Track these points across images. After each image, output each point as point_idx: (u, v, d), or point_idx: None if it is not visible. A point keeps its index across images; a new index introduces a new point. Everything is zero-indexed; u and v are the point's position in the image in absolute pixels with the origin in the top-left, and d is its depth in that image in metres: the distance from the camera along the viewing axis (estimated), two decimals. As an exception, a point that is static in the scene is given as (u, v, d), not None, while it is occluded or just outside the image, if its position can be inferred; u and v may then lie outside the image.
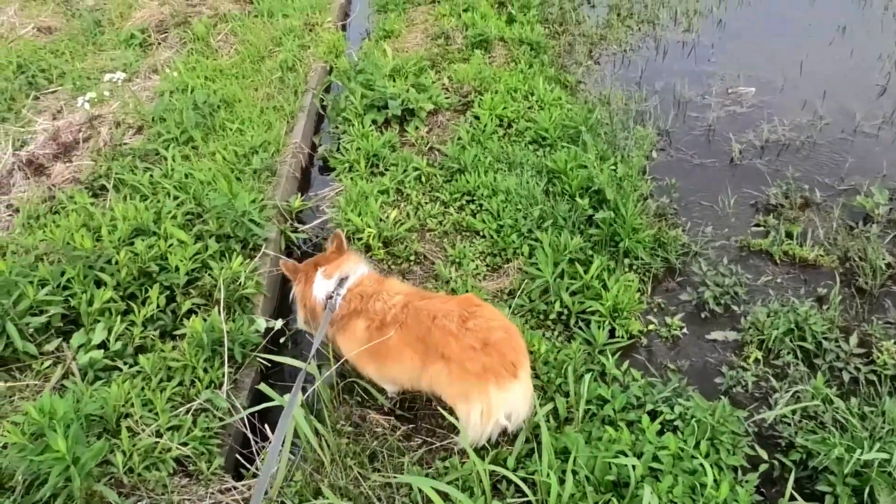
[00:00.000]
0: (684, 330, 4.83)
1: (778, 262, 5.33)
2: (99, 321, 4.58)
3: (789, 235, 5.49)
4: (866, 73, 7.68)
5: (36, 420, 3.44)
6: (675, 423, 3.90)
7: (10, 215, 6.11)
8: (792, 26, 8.82)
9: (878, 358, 4.35)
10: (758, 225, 5.71)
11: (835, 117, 6.93)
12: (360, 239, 5.49)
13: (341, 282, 4.02)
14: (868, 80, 7.55)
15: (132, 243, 5.10)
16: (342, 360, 4.04)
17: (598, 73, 8.14)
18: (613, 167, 5.97)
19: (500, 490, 3.62)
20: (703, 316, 4.94)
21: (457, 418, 3.59)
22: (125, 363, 4.40)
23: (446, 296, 4.02)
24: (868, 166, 6.21)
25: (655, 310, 5.03)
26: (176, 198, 5.75)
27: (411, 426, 4.15)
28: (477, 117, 6.91)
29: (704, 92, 7.59)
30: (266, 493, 3.64)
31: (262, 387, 4.04)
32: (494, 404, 3.50)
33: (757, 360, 4.52)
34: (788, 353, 4.51)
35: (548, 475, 3.35)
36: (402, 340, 3.73)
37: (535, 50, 8.25)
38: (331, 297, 3.96)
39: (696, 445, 3.67)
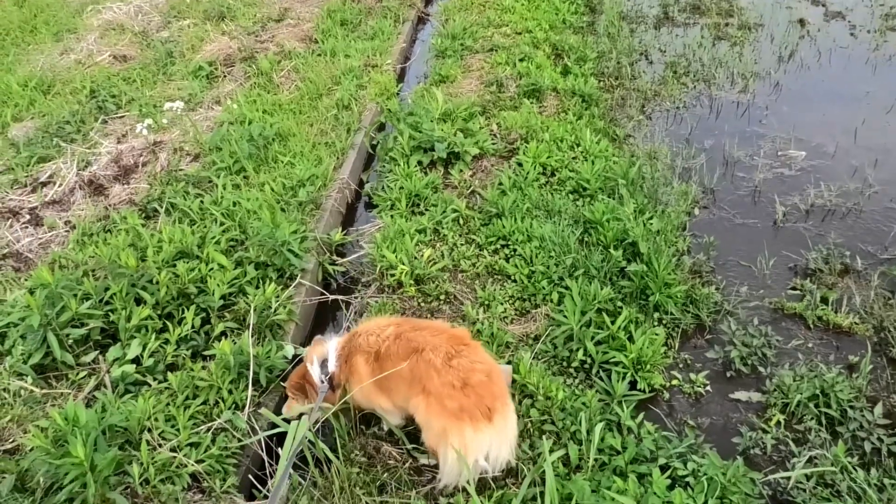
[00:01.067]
0: (708, 387, 4.80)
1: (811, 326, 5.27)
2: (135, 337, 4.78)
3: (825, 301, 5.42)
4: (922, 144, 7.58)
5: (60, 426, 3.60)
6: (687, 480, 3.88)
7: (66, 231, 6.41)
8: (851, 93, 8.74)
9: (903, 430, 4.27)
10: (794, 288, 5.65)
11: (884, 186, 6.84)
12: (392, 275, 5.61)
13: (324, 362, 4.12)
14: (923, 152, 7.45)
15: (175, 265, 5.31)
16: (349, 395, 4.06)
17: (648, 127, 8.18)
18: (650, 221, 6.00)
19: (501, 531, 3.64)
20: (728, 375, 4.91)
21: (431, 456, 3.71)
22: (155, 379, 4.58)
23: (440, 326, 4.04)
24: (914, 237, 6.13)
25: (681, 365, 5.02)
26: (222, 224, 5.97)
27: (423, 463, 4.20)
28: (520, 164, 7.02)
29: (754, 153, 7.56)
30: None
31: (264, 411, 4.18)
32: (470, 446, 3.54)
33: (779, 423, 4.47)
34: (812, 418, 4.45)
35: (548, 520, 3.37)
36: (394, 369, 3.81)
37: (586, 102, 8.34)
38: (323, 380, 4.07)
39: (705, 503, 3.64)
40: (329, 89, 8.77)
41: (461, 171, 7.04)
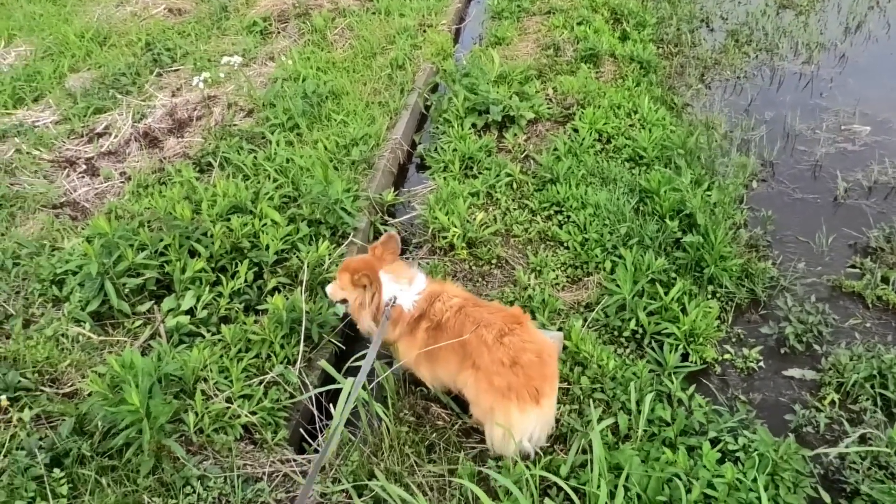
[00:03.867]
0: (761, 363, 4.72)
1: (870, 306, 5.14)
2: (189, 289, 4.83)
3: (885, 280, 5.28)
4: None
5: (117, 372, 3.66)
6: (738, 455, 3.83)
7: (122, 182, 6.49)
8: (919, 67, 8.48)
9: (963, 415, 4.17)
10: (853, 266, 5.52)
11: (952, 165, 6.63)
12: (444, 237, 5.59)
13: (410, 286, 4.03)
14: None
15: (229, 219, 5.35)
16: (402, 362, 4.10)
17: (707, 97, 8.00)
18: (708, 192, 5.88)
19: (550, 496, 3.63)
20: (782, 351, 4.82)
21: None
22: (209, 331, 4.64)
23: (498, 306, 3.97)
24: (981, 218, 5.93)
25: (734, 339, 4.94)
26: (275, 180, 6.00)
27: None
28: (576, 130, 6.91)
29: (816, 126, 7.36)
30: (323, 468, 3.78)
31: (324, 363, 4.20)
32: (516, 427, 3.55)
33: (833, 403, 4.39)
34: (867, 399, 4.35)
35: (598, 487, 3.35)
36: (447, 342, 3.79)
37: (644, 68, 8.17)
38: (391, 303, 3.96)
39: (755, 480, 3.59)
40: (383, 48, 8.71)
41: (515, 135, 6.96)
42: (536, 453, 3.79)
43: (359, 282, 4.01)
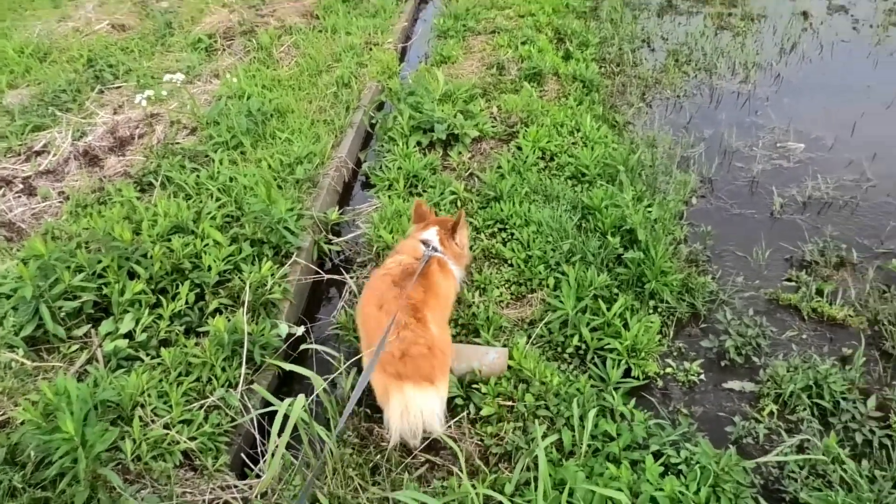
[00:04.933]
0: (702, 376, 4.80)
1: (805, 318, 5.26)
2: (128, 311, 4.74)
3: (820, 293, 5.42)
4: (921, 140, 7.57)
5: (50, 400, 3.57)
6: (680, 468, 3.89)
7: (60, 202, 6.35)
8: (851, 87, 8.72)
9: (895, 423, 4.28)
10: (790, 279, 5.66)
11: (881, 181, 6.83)
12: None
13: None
14: (922, 147, 7.44)
15: (170, 240, 5.27)
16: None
17: (648, 115, 8.16)
18: (648, 209, 5.98)
19: (493, 515, 3.63)
20: (722, 364, 4.91)
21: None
22: (148, 354, 4.55)
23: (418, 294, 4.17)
24: (910, 232, 6.13)
25: (675, 353, 5.01)
26: (218, 199, 5.93)
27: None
28: (520, 148, 6.99)
29: (753, 144, 7.55)
30: (265, 493, 3.74)
31: (256, 387, 4.18)
32: (411, 402, 3.70)
33: (771, 413, 4.47)
34: (804, 409, 4.45)
35: (542, 504, 3.37)
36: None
37: (587, 87, 8.30)
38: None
39: (697, 491, 3.65)
40: (329, 66, 8.71)
41: (460, 153, 7.01)
42: (483, 471, 3.81)
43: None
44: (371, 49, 9.18)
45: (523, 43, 9.19)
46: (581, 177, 6.62)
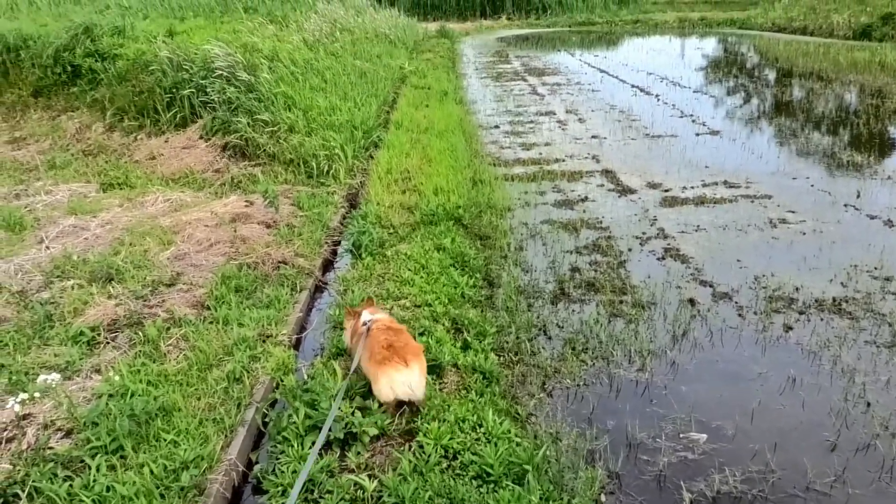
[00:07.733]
0: None
1: None
2: None
3: None
4: (816, 428, 7.63)
5: None
6: None
7: None
8: (744, 374, 8.90)
9: None
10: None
11: (786, 472, 6.78)
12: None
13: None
14: (818, 435, 7.49)
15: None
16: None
17: (550, 406, 8.07)
18: (558, 513, 5.69)
19: None
20: None
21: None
22: None
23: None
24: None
25: None
26: (90, 517, 5.33)
27: None
28: (422, 446, 6.68)
29: (656, 434, 7.49)
30: None
31: None
32: (396, 378, 6.75)
33: None
34: None
35: None
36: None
37: (487, 379, 8.22)
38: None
39: None
40: (220, 360, 8.40)
41: (359, 453, 6.64)
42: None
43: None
44: (265, 341, 8.98)
45: (421, 334, 9.17)
46: (486, 476, 6.30)
